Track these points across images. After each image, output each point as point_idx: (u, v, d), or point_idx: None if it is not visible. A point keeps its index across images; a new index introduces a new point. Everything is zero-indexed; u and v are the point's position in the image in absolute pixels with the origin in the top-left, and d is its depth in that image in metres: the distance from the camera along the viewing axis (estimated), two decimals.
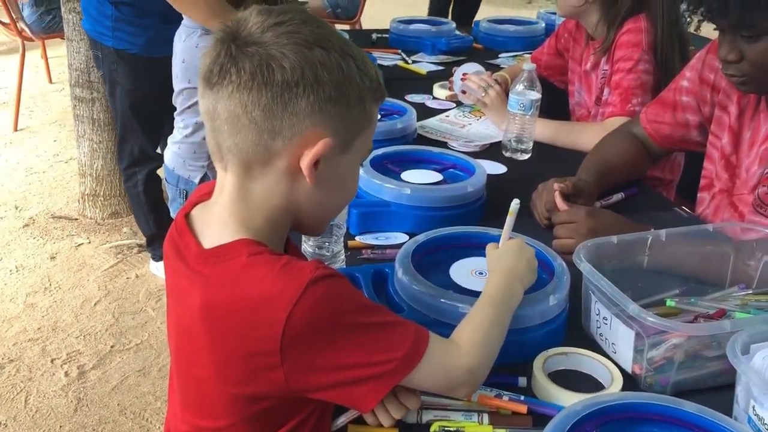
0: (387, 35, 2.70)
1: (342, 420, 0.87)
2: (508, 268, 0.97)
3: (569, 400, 0.87)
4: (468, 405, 0.90)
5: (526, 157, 1.70)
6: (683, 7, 1.31)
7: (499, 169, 1.62)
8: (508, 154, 1.70)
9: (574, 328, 1.06)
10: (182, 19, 2.11)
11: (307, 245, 1.17)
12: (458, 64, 2.14)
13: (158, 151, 2.64)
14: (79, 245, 2.98)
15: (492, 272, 0.98)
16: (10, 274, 2.78)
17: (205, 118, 0.82)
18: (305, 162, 0.79)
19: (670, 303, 1.05)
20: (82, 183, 3.16)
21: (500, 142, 1.74)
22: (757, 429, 0.82)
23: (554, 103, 2.08)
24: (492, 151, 1.73)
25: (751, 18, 1.16)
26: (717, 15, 1.20)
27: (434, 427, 0.87)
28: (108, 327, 2.48)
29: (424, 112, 1.94)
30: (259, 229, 0.81)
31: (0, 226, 3.11)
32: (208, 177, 2.14)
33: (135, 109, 2.47)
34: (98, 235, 3.06)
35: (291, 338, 0.73)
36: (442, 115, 1.94)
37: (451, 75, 2.08)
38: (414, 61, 2.45)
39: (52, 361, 2.31)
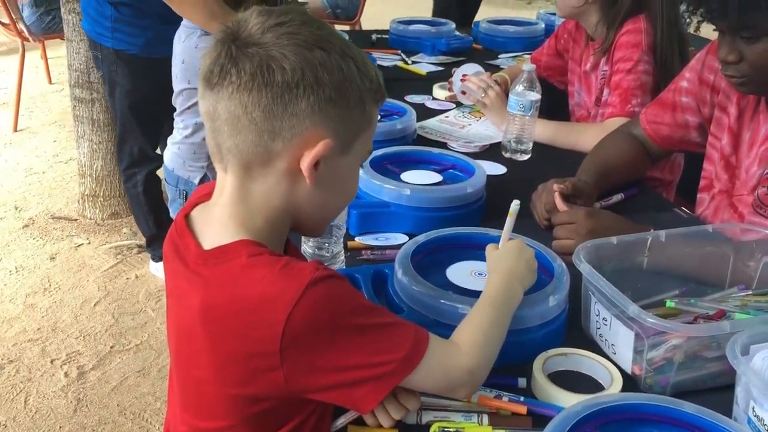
0: (387, 36, 2.70)
1: (341, 421, 0.87)
2: (508, 269, 0.97)
3: (569, 400, 0.87)
4: (468, 406, 0.90)
5: (526, 157, 1.70)
6: (683, 7, 1.31)
7: (498, 169, 1.62)
8: (507, 155, 1.70)
9: (573, 328, 1.06)
10: (181, 19, 2.11)
11: (307, 246, 1.17)
12: (458, 64, 2.14)
13: (158, 151, 2.65)
14: (78, 246, 2.98)
15: (492, 273, 0.98)
16: (10, 274, 2.78)
17: (205, 119, 0.82)
18: (305, 163, 0.79)
19: (669, 304, 1.05)
20: (81, 183, 3.16)
21: (500, 142, 1.74)
22: (756, 430, 0.82)
23: (554, 104, 2.09)
24: (492, 151, 1.73)
25: (750, 19, 1.16)
26: (716, 16, 1.20)
27: (434, 427, 0.87)
28: (108, 327, 2.48)
29: (424, 112, 1.95)
30: (259, 230, 0.81)
31: (0, 227, 3.11)
32: (208, 178, 2.14)
33: (134, 110, 2.47)
34: (98, 236, 3.06)
35: (291, 339, 0.73)
36: (442, 116, 1.95)
37: (451, 76, 2.08)
38: (414, 62, 2.45)
39: (51, 361, 2.31)
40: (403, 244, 1.14)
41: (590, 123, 1.93)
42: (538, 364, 0.96)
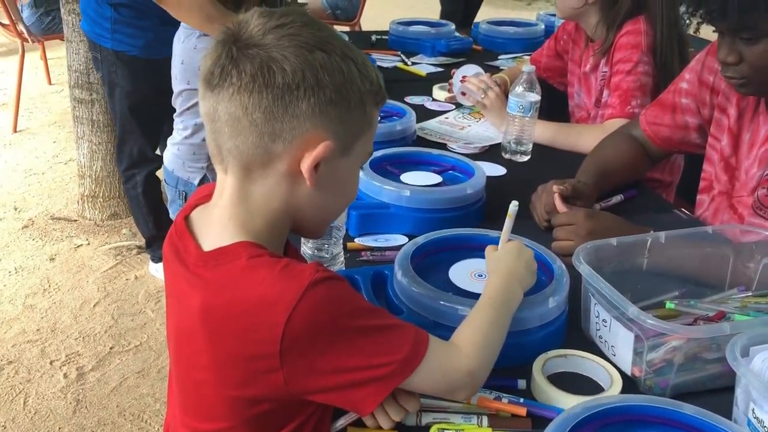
0: (386, 37, 2.70)
1: (341, 422, 0.87)
2: (508, 270, 0.97)
3: (569, 402, 0.87)
4: (467, 407, 0.90)
5: (526, 158, 1.70)
6: (682, 9, 1.31)
7: (498, 170, 1.62)
8: (507, 156, 1.70)
9: (573, 330, 1.06)
10: None
11: (307, 247, 1.17)
12: (457, 65, 2.14)
13: (158, 152, 2.64)
14: (78, 246, 2.98)
15: (491, 274, 0.98)
16: (9, 275, 2.78)
17: (205, 120, 0.82)
18: (305, 165, 0.79)
19: (669, 305, 1.05)
20: (81, 184, 3.16)
21: (500, 143, 1.74)
22: None
23: (553, 105, 2.09)
24: (491, 152, 1.73)
25: (750, 20, 1.16)
26: (716, 17, 1.20)
27: (433, 429, 0.87)
28: (107, 328, 2.48)
29: (424, 113, 1.95)
30: (259, 231, 0.81)
31: None
32: (208, 178, 2.13)
33: (134, 111, 2.47)
34: (97, 237, 3.05)
35: (291, 341, 0.73)
36: (442, 117, 1.95)
37: (451, 77, 2.08)
38: (413, 63, 2.45)
39: (51, 362, 2.31)
40: (403, 245, 1.14)
41: (590, 124, 1.93)
42: (537, 365, 0.96)
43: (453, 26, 2.71)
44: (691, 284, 1.11)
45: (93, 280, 2.75)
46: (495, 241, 1.05)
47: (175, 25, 2.11)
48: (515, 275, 0.97)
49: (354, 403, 0.79)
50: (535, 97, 1.66)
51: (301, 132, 0.78)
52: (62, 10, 2.96)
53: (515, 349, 0.95)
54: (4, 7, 3.89)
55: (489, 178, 1.43)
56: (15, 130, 4.10)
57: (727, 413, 0.86)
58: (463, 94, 1.98)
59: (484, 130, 1.87)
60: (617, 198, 1.49)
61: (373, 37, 2.75)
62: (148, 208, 2.62)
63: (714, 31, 1.25)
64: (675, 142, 1.55)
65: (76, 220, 3.18)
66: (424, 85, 2.17)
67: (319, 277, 0.74)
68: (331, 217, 0.92)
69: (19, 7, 4.03)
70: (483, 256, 1.04)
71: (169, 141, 2.19)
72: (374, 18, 4.48)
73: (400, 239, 1.29)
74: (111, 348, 2.38)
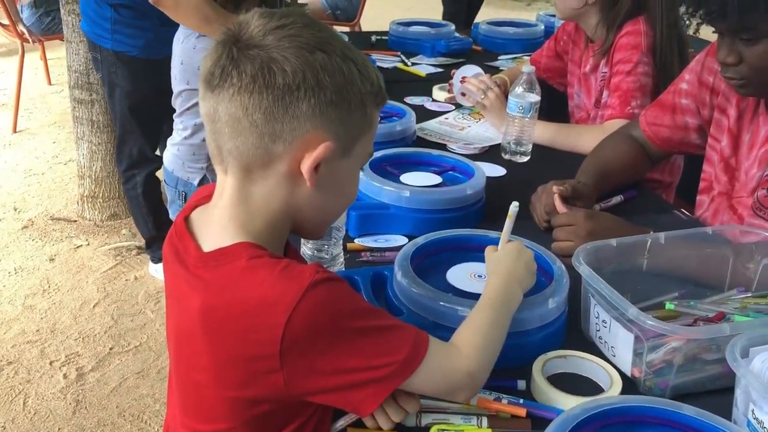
0: (386, 37, 2.70)
1: (341, 423, 0.87)
2: (507, 271, 0.97)
3: (568, 403, 0.87)
4: (467, 408, 0.90)
5: (526, 159, 1.70)
6: (682, 9, 1.31)
7: (498, 171, 1.62)
8: (507, 157, 1.70)
9: (573, 331, 1.06)
10: None
11: (306, 248, 1.17)
12: (457, 66, 2.14)
13: (157, 153, 2.64)
14: (78, 247, 2.98)
15: (491, 275, 0.98)
16: (9, 275, 2.78)
17: (205, 121, 0.82)
18: (306, 165, 0.79)
19: (669, 306, 1.05)
20: (81, 185, 3.16)
21: (499, 144, 1.74)
22: None
23: (553, 106, 2.09)
24: (491, 153, 1.73)
25: (749, 21, 1.16)
26: (716, 18, 1.20)
27: (433, 430, 0.87)
28: (107, 329, 2.48)
29: (424, 114, 1.95)
30: (259, 232, 0.81)
31: None
32: (207, 179, 2.13)
33: (134, 111, 2.47)
34: (97, 237, 3.05)
35: (291, 342, 0.73)
36: (442, 118, 1.95)
37: (451, 77, 2.08)
38: (413, 63, 2.45)
39: (50, 363, 2.31)
40: (403, 245, 1.14)
41: (590, 125, 1.93)
42: (537, 366, 0.96)
43: (453, 27, 2.71)
44: (690, 285, 1.11)
45: (93, 281, 2.75)
46: (495, 242, 1.05)
47: (175, 25, 2.11)
48: (515, 276, 0.97)
49: (354, 404, 0.79)
50: (535, 97, 1.66)
51: (301, 133, 0.78)
52: (62, 11, 2.96)
53: (515, 350, 0.95)
54: (4, 7, 3.90)
55: (489, 178, 1.43)
56: (15, 131, 4.10)
57: (727, 414, 0.86)
58: (463, 94, 1.98)
59: (483, 131, 1.87)
60: (617, 199, 1.49)
61: (373, 38, 2.75)
62: (147, 209, 2.62)
63: (714, 32, 1.25)
64: (675, 142, 1.55)
65: (75, 221, 3.18)
66: (424, 86, 2.17)
67: (319, 278, 0.74)
68: (332, 218, 0.92)
69: (19, 8, 4.03)
70: (483, 257, 1.04)
71: (169, 141, 2.19)
72: (374, 18, 4.48)
73: (399, 240, 1.29)
74: (111, 348, 2.38)
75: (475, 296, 0.95)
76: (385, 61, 2.47)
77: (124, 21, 2.31)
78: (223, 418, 0.82)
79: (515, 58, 2.54)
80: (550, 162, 1.70)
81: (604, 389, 0.95)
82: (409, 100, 2.05)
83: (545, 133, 1.77)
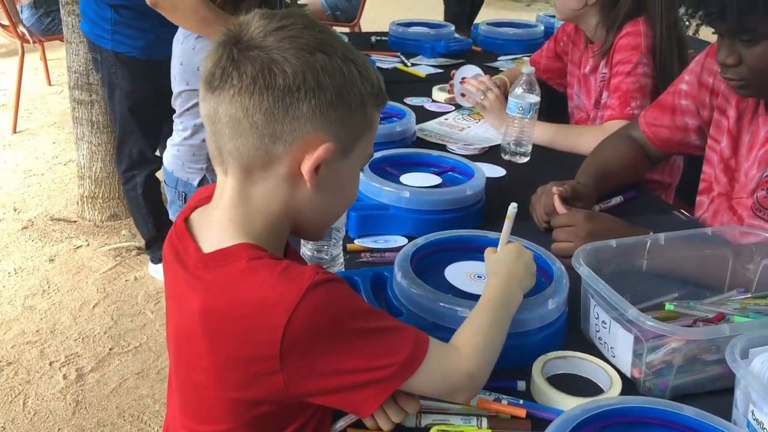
0: (386, 38, 2.70)
1: (341, 424, 0.87)
2: (507, 272, 0.97)
3: (568, 404, 0.87)
4: (467, 409, 0.90)
5: (525, 160, 1.70)
6: (682, 10, 1.31)
7: (498, 172, 1.62)
8: (507, 157, 1.70)
9: (573, 331, 1.06)
10: None
11: (306, 249, 1.17)
12: (457, 66, 2.14)
13: (157, 153, 2.64)
14: (77, 247, 2.98)
15: (491, 276, 0.98)
16: (9, 276, 2.78)
17: (206, 122, 0.82)
18: (306, 167, 0.79)
19: (669, 307, 1.05)
20: (80, 185, 3.16)
21: (499, 145, 1.74)
22: None
23: (553, 106, 2.09)
24: (491, 154, 1.73)
25: (749, 22, 1.17)
26: (715, 19, 1.20)
27: (433, 430, 0.87)
28: (106, 329, 2.48)
29: (423, 115, 1.95)
30: (259, 233, 0.81)
31: None
32: (207, 179, 2.13)
33: (134, 112, 2.47)
34: (97, 238, 3.05)
35: (291, 343, 0.73)
36: (441, 118, 1.95)
37: (450, 78, 2.08)
38: (413, 64, 2.45)
39: (50, 363, 2.31)
40: (403, 246, 1.14)
41: (589, 125, 1.93)
42: (537, 367, 0.96)
43: (452, 27, 2.72)
44: (690, 286, 1.11)
45: (92, 281, 2.75)
46: (494, 243, 1.05)
47: (175, 26, 2.11)
48: (515, 277, 0.97)
49: (354, 405, 0.79)
50: (535, 98, 1.66)
51: (301, 134, 0.78)
52: (62, 11, 2.96)
53: (515, 351, 0.95)
54: (4, 8, 3.90)
55: (488, 179, 1.43)
56: (15, 131, 4.10)
57: (727, 415, 0.86)
58: (463, 95, 1.98)
59: (483, 132, 1.87)
60: (617, 199, 1.50)
61: (373, 38, 2.75)
62: (147, 209, 2.62)
63: (713, 33, 1.25)
64: (674, 143, 1.55)
65: (75, 221, 3.18)
66: (424, 87, 2.17)
67: (319, 279, 0.74)
68: (332, 219, 0.92)
69: (19, 8, 4.03)
70: (482, 258, 1.04)
71: (169, 142, 2.19)
72: (374, 19, 4.49)
73: (399, 240, 1.29)
74: (110, 349, 2.38)
75: (475, 297, 0.95)
76: (385, 61, 2.47)
77: (124, 22, 2.32)
78: (222, 419, 0.82)
79: (515, 58, 2.54)
80: (549, 163, 1.70)
81: (603, 390, 0.95)
82: (408, 100, 2.05)
83: (545, 133, 1.77)
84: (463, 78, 1.98)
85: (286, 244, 0.89)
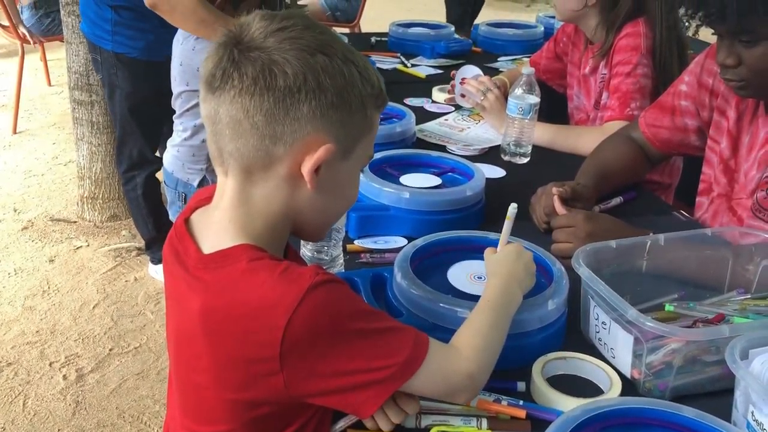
0: (386, 38, 2.70)
1: (341, 425, 0.87)
2: (507, 273, 0.97)
3: (568, 405, 0.87)
4: (467, 410, 0.90)
5: (525, 160, 1.70)
6: (681, 11, 1.31)
7: (498, 172, 1.62)
8: (507, 158, 1.70)
9: (572, 332, 1.06)
10: None
11: (306, 249, 1.17)
12: (457, 67, 2.14)
13: (157, 154, 2.64)
14: (77, 248, 2.98)
15: (491, 277, 0.98)
16: (9, 276, 2.78)
17: (206, 123, 0.82)
18: (306, 168, 0.79)
19: (668, 308, 1.05)
20: (80, 186, 3.16)
21: (499, 145, 1.74)
22: None
23: (553, 107, 2.09)
24: (491, 154, 1.73)
25: (749, 23, 1.17)
26: (715, 20, 1.20)
27: (433, 431, 0.87)
28: (106, 330, 2.48)
29: (423, 115, 1.95)
30: (259, 234, 0.81)
31: None
32: (207, 180, 2.13)
33: (134, 113, 2.47)
34: (97, 238, 3.05)
35: (291, 344, 0.73)
36: (441, 119, 1.95)
37: (451, 79, 2.08)
38: (413, 65, 2.45)
39: (50, 364, 2.31)
40: (402, 247, 1.14)
41: (589, 126, 1.93)
42: (537, 367, 0.96)
43: (452, 28, 2.72)
44: (690, 286, 1.11)
45: (92, 282, 2.75)
46: (494, 243, 1.05)
47: (175, 27, 2.11)
48: (514, 278, 0.97)
49: (354, 406, 0.79)
50: (535, 99, 1.66)
51: (302, 135, 0.78)
52: (62, 12, 2.96)
53: (515, 352, 0.95)
54: (4, 8, 3.90)
55: (488, 180, 1.43)
56: (15, 132, 4.10)
57: (727, 416, 0.86)
58: (463, 96, 1.98)
59: (483, 132, 1.87)
60: (616, 200, 1.50)
61: (373, 39, 2.75)
62: (147, 210, 2.62)
63: (713, 34, 1.25)
64: (674, 144, 1.55)
65: (75, 222, 3.18)
66: (424, 87, 2.17)
67: (318, 280, 0.74)
68: (332, 220, 0.92)
69: (19, 9, 4.03)
70: (482, 258, 1.04)
71: (169, 143, 2.19)
72: (374, 20, 4.49)
73: (399, 241, 1.29)
74: (110, 350, 2.38)
75: (475, 298, 0.95)
76: (385, 62, 2.47)
77: (124, 23, 2.32)
78: (222, 419, 0.82)
79: (515, 59, 2.55)
80: (549, 163, 1.71)
81: (603, 391, 0.95)
82: (408, 101, 2.06)
83: (545, 134, 1.77)
84: (462, 79, 1.98)
85: (286, 244, 0.89)
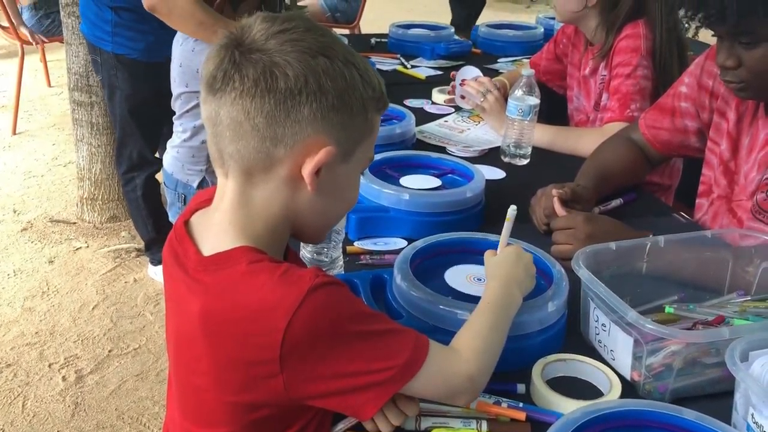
0: (386, 40, 2.70)
1: (340, 427, 0.87)
2: (507, 275, 0.97)
3: (568, 407, 0.87)
4: (466, 412, 0.90)
5: (525, 162, 1.70)
6: (681, 12, 1.31)
7: (497, 174, 1.62)
8: (506, 160, 1.70)
9: (572, 334, 1.06)
10: None
11: (306, 251, 1.17)
12: (456, 68, 2.14)
13: (157, 155, 2.64)
14: (77, 249, 2.98)
15: (490, 279, 0.98)
16: (8, 278, 2.77)
17: (207, 124, 0.82)
18: (307, 170, 0.79)
19: (668, 309, 1.05)
20: (80, 187, 3.16)
21: (499, 147, 1.74)
22: None
23: (553, 108, 2.09)
24: (491, 156, 1.73)
25: (748, 24, 1.17)
26: (715, 21, 1.20)
27: None
28: (106, 331, 2.48)
29: (423, 116, 1.95)
30: (259, 236, 0.81)
31: None
32: (207, 181, 2.13)
33: (134, 114, 2.47)
34: (96, 239, 3.05)
35: (290, 346, 0.73)
36: (441, 120, 1.95)
37: (451, 80, 2.08)
38: (413, 66, 2.45)
39: (49, 365, 2.30)
40: (402, 248, 1.14)
41: (589, 128, 1.93)
42: (537, 370, 0.96)
43: (452, 29, 2.72)
44: (690, 288, 1.11)
45: (92, 283, 2.75)
46: (494, 245, 1.05)
47: None
48: (514, 279, 0.97)
49: (354, 408, 0.79)
50: (535, 100, 1.66)
51: (302, 137, 0.78)
52: (62, 13, 2.96)
53: (515, 354, 0.95)
54: (4, 9, 3.90)
55: (488, 181, 1.43)
56: (14, 133, 4.10)
57: (727, 418, 0.86)
58: (463, 97, 1.98)
59: (483, 134, 1.87)
60: (616, 202, 1.50)
61: (373, 40, 2.75)
62: (147, 211, 2.62)
63: (713, 35, 1.25)
64: (674, 145, 1.55)
65: (75, 223, 3.18)
66: (424, 88, 2.17)
67: (318, 282, 0.74)
68: (332, 223, 0.92)
69: (19, 9, 4.03)
70: (482, 260, 1.04)
71: (169, 144, 2.19)
72: (374, 21, 4.49)
73: (399, 243, 1.29)
74: (110, 351, 2.38)
75: (475, 300, 0.95)
76: (385, 63, 2.47)
77: (124, 24, 2.32)
78: (222, 422, 0.82)
79: (515, 60, 2.54)
80: (549, 165, 1.71)
81: (603, 393, 0.95)
82: (408, 102, 2.05)
83: (545, 135, 1.77)
84: (462, 80, 1.98)
85: (286, 246, 0.89)
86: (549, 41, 2.17)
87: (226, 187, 0.82)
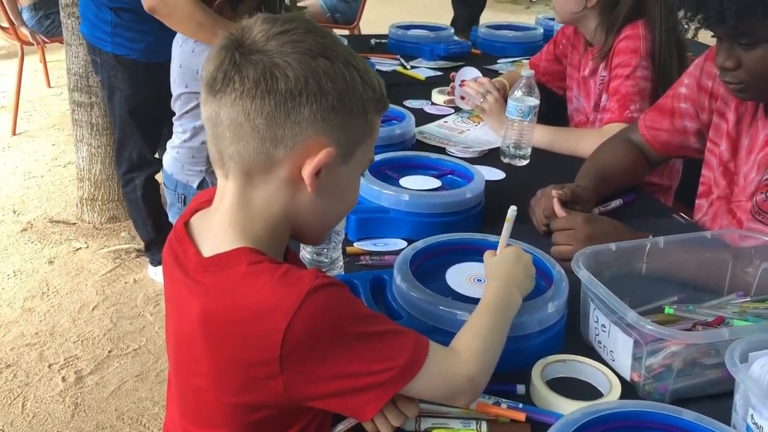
0: (385, 40, 2.70)
1: (340, 428, 0.87)
2: (506, 276, 0.97)
3: (568, 407, 0.87)
4: (466, 413, 0.90)
5: (525, 163, 1.70)
6: (681, 13, 1.31)
7: (497, 175, 1.62)
8: (506, 160, 1.70)
9: (572, 335, 1.06)
10: None
11: (306, 252, 1.17)
12: (456, 69, 2.14)
13: (157, 155, 2.64)
14: (77, 250, 2.98)
15: (490, 280, 0.98)
16: (8, 278, 2.77)
17: (207, 125, 0.82)
18: (307, 171, 0.79)
19: (668, 310, 1.05)
20: (80, 187, 3.16)
21: (499, 148, 1.74)
22: None
23: (552, 109, 2.09)
24: (490, 157, 1.73)
25: (748, 26, 1.17)
26: (714, 22, 1.20)
27: None
28: (106, 332, 2.48)
29: (423, 117, 1.95)
30: (259, 237, 0.81)
31: None
32: (207, 182, 2.13)
33: (134, 114, 2.47)
34: (96, 240, 3.05)
35: (290, 347, 0.73)
36: (441, 121, 1.95)
37: (450, 81, 2.08)
38: (412, 67, 2.45)
39: (49, 366, 2.30)
40: (402, 249, 1.14)
41: (589, 128, 1.93)
42: (536, 370, 0.96)
43: (452, 30, 2.72)
44: (689, 289, 1.11)
45: (92, 284, 2.75)
46: (494, 246, 1.05)
47: None
48: (514, 280, 0.97)
49: (354, 409, 0.79)
50: (534, 101, 1.66)
51: (302, 138, 0.78)
52: (62, 13, 2.96)
53: (514, 354, 0.95)
54: (4, 10, 3.90)
55: (488, 182, 1.43)
56: (14, 133, 4.10)
57: (726, 419, 0.86)
58: (462, 98, 1.98)
59: (483, 134, 1.87)
60: (616, 202, 1.50)
61: (372, 41, 2.75)
62: (147, 212, 2.62)
63: (712, 36, 1.26)
64: (674, 146, 1.55)
65: (75, 224, 3.18)
66: (423, 89, 2.17)
67: (318, 283, 0.74)
68: (332, 224, 0.92)
69: (19, 10, 4.03)
70: (482, 261, 1.04)
71: (168, 144, 2.19)
72: (373, 21, 4.49)
73: (399, 243, 1.29)
74: (109, 351, 2.38)
75: (475, 300, 0.95)
76: (385, 64, 2.47)
77: (124, 24, 2.32)
78: (222, 423, 0.82)
79: (514, 61, 2.55)
80: (549, 166, 1.71)
81: (603, 394, 0.95)
82: (408, 103, 2.06)
83: (544, 136, 1.77)
84: (462, 81, 1.98)
85: (286, 247, 0.89)
86: (548, 42, 2.18)
87: (226, 188, 0.82)
